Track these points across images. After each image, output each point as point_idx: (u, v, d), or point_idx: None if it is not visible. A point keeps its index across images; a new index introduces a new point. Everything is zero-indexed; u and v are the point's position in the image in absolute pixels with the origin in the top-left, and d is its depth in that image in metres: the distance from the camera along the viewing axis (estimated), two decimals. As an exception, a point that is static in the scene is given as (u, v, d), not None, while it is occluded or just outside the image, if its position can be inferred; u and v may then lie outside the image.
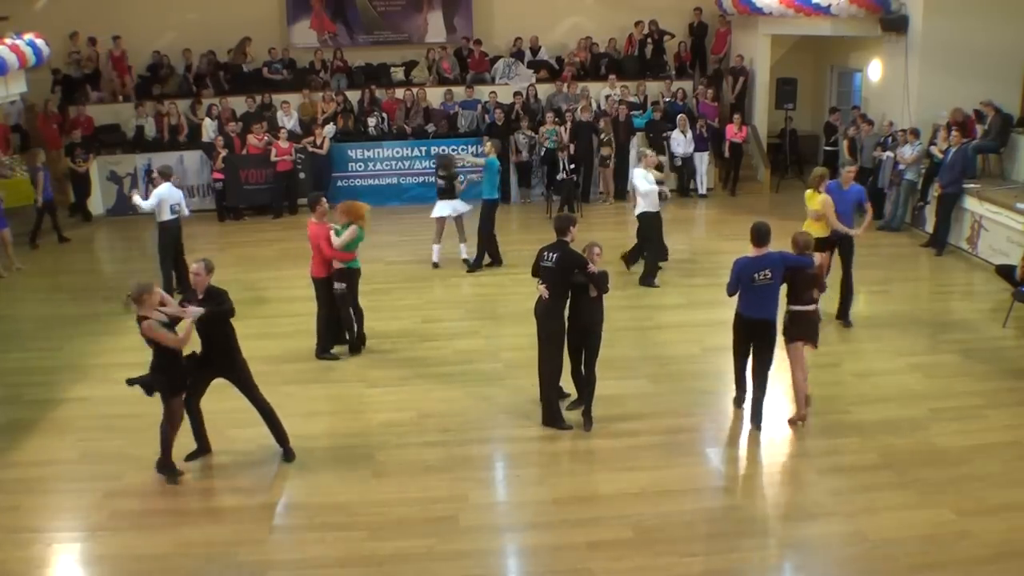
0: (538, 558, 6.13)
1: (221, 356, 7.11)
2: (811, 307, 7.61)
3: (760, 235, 7.47)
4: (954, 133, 12.78)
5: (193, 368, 7.05)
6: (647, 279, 11.38)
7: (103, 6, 16.62)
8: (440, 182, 12.05)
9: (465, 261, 12.20)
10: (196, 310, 6.85)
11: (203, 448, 7.38)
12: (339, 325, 9.42)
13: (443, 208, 11.97)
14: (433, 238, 12.22)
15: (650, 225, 11.35)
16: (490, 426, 7.90)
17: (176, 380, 6.93)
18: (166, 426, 7.01)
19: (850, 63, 17.17)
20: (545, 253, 7.58)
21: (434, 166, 13.38)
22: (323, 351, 9.39)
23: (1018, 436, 7.49)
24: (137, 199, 11.04)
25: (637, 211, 11.35)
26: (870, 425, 7.72)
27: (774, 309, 7.51)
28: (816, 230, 9.37)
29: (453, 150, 15.76)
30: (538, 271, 7.66)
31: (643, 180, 11.18)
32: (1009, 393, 8.31)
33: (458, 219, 12.10)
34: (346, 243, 9.00)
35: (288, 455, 7.34)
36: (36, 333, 10.41)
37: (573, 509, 6.62)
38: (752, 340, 7.59)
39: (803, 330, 7.59)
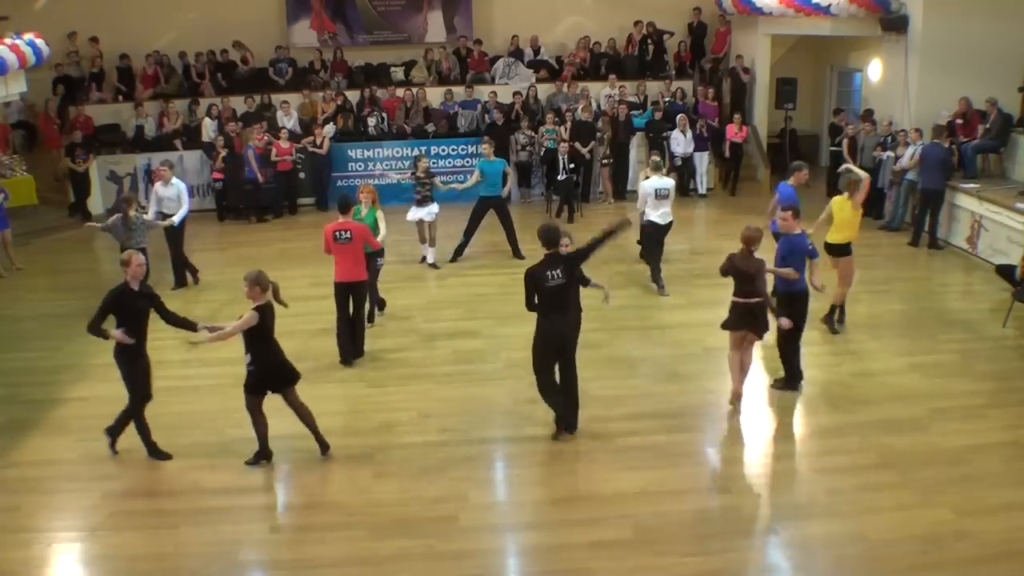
0: (538, 558, 6.14)
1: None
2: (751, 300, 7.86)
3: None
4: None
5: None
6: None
7: (103, 6, 16.61)
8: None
9: (432, 265, 12.37)
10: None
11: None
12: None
13: (418, 212, 12.14)
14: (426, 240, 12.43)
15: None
16: (490, 426, 7.91)
17: None
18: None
19: (850, 63, 17.18)
20: (548, 273, 7.15)
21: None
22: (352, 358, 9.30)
23: (1018, 436, 7.50)
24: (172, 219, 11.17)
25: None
26: (870, 425, 7.73)
27: None
28: (840, 236, 9.58)
29: (453, 150, 15.89)
30: (544, 292, 7.23)
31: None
32: (1009, 393, 8.31)
33: (432, 223, 12.25)
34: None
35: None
36: (36, 333, 10.41)
37: (573, 509, 6.62)
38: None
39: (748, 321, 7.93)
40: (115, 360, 7.15)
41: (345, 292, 9.08)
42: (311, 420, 7.28)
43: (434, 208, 12.08)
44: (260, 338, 6.92)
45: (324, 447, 7.34)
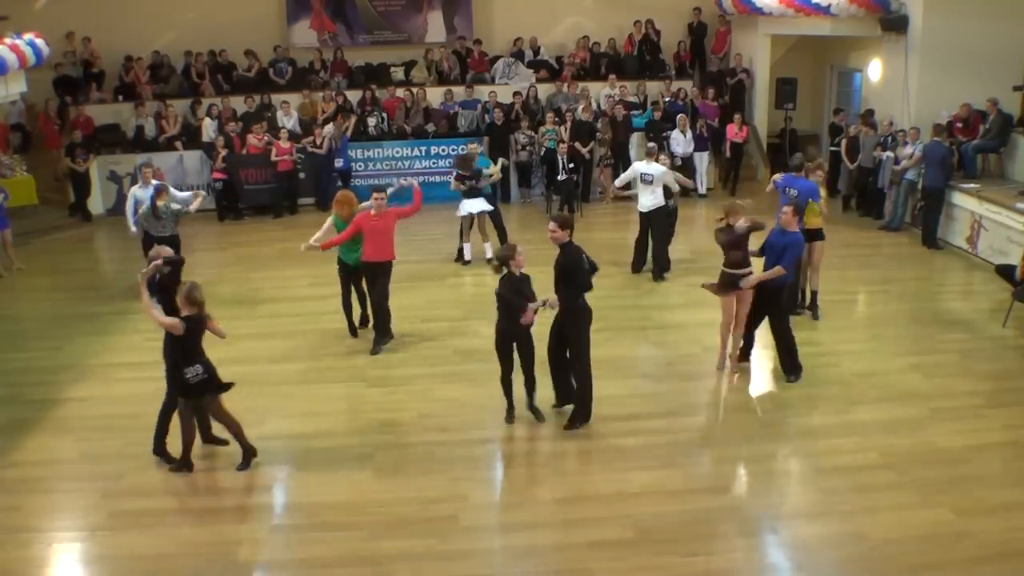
0: (538, 558, 6.13)
1: None
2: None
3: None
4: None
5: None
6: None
7: (103, 6, 16.61)
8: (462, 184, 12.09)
9: (490, 260, 12.31)
10: None
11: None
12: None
13: (468, 206, 12.09)
14: (463, 236, 12.42)
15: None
16: (490, 426, 7.90)
17: None
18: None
19: (850, 63, 17.18)
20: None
21: (453, 165, 12.83)
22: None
23: (1018, 436, 7.50)
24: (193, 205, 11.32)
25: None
26: (870, 425, 7.73)
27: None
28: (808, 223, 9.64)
29: (453, 150, 15.88)
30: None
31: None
32: (1009, 393, 8.31)
33: (480, 216, 12.21)
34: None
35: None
36: (36, 333, 10.41)
37: (573, 509, 6.62)
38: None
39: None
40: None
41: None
42: (239, 429, 7.23)
43: (481, 202, 12.08)
44: (189, 347, 6.90)
45: (246, 459, 7.21)
